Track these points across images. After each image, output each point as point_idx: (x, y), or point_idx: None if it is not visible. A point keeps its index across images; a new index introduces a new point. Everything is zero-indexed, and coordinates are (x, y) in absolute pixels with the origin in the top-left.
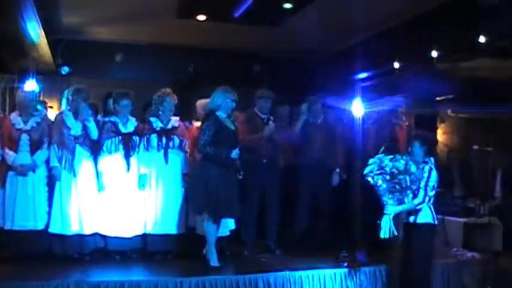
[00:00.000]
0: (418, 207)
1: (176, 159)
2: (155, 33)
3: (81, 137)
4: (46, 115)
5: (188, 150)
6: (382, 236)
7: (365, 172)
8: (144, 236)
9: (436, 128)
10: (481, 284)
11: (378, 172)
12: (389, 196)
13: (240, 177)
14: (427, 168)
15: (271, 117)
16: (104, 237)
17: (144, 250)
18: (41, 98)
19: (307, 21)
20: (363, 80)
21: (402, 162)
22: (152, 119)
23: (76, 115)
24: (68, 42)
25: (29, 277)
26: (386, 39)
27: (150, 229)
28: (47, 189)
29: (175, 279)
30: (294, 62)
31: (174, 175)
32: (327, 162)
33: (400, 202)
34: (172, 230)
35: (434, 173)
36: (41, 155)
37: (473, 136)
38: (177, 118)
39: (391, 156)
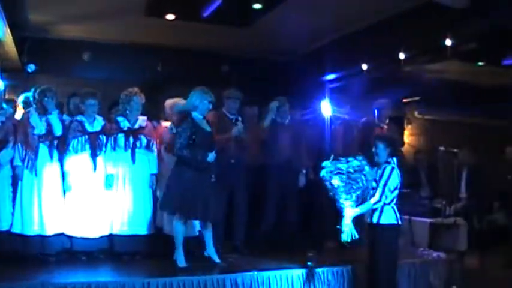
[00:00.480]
0: (375, 206)
1: (143, 159)
2: (124, 32)
3: (45, 136)
4: (12, 114)
5: (156, 150)
6: (343, 239)
7: (321, 174)
8: (111, 237)
9: (404, 130)
10: (447, 283)
11: (335, 172)
12: (348, 197)
13: (213, 179)
14: (388, 168)
15: (239, 118)
16: (70, 237)
17: (111, 251)
18: (7, 97)
19: (276, 22)
20: (332, 81)
21: (357, 162)
22: (119, 119)
23: (41, 114)
24: (35, 40)
25: None
26: (354, 41)
27: (117, 229)
28: (11, 189)
29: (143, 279)
30: (263, 63)
31: (141, 175)
32: (294, 162)
33: (359, 203)
34: (140, 230)
35: (396, 174)
36: (6, 154)
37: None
38: (145, 118)
39: (345, 159)
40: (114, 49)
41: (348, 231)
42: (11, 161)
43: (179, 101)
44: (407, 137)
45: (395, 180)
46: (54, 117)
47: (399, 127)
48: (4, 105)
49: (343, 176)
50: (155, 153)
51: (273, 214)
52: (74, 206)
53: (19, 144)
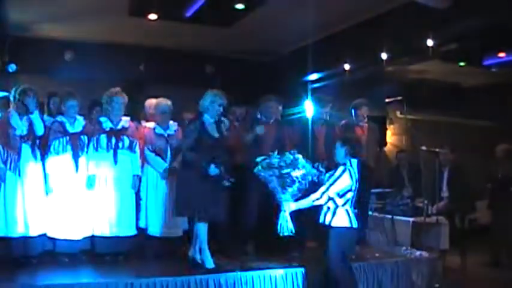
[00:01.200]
0: (315, 203)
1: (126, 159)
2: (106, 31)
3: (27, 136)
4: None
5: (139, 150)
6: (280, 233)
7: (255, 171)
8: (93, 238)
9: (386, 130)
10: (429, 282)
11: (267, 168)
12: (284, 191)
13: (228, 184)
14: (340, 168)
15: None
16: (51, 239)
17: (93, 252)
18: None
19: (259, 22)
20: (314, 81)
21: (290, 156)
22: (102, 119)
23: (22, 114)
24: (16, 39)
25: None
26: (337, 41)
27: (99, 231)
28: None
29: (126, 280)
30: (246, 63)
31: (124, 176)
32: None
33: (297, 198)
34: (122, 231)
35: (348, 175)
36: None
37: (422, 137)
38: (128, 118)
39: (279, 155)
40: (96, 49)
41: (284, 224)
42: None
43: (162, 101)
44: (390, 136)
45: (345, 181)
46: (35, 117)
47: (381, 127)
48: None
49: (275, 171)
50: (138, 154)
51: (255, 214)
52: (56, 207)
53: (0, 145)
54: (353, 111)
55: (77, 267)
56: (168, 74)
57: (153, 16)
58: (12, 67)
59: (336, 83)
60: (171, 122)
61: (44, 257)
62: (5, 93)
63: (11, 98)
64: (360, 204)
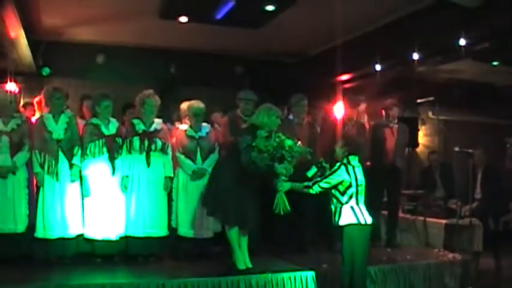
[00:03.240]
0: (305, 189)
1: (158, 161)
2: (137, 34)
3: (64, 140)
4: (27, 117)
5: (170, 152)
6: (276, 211)
7: (252, 157)
8: (126, 239)
9: (418, 130)
10: (462, 284)
11: (258, 153)
12: (279, 170)
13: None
14: (337, 164)
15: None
16: (86, 240)
17: (126, 252)
18: (23, 100)
19: (288, 24)
20: (345, 82)
21: (276, 139)
22: (135, 121)
23: (55, 116)
24: (49, 43)
25: (9, 281)
26: (367, 42)
27: (132, 232)
28: (27, 191)
29: (157, 281)
30: (276, 64)
31: (156, 178)
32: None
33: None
34: (155, 232)
35: (343, 171)
36: (21, 157)
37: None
38: (160, 120)
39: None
40: (127, 52)
41: (280, 204)
42: (27, 164)
43: (194, 103)
44: (422, 137)
45: (341, 176)
46: (70, 119)
47: (413, 128)
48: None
49: (265, 154)
50: (170, 156)
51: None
52: (92, 209)
53: (36, 151)
54: (383, 112)
55: (109, 268)
56: (198, 75)
57: (183, 19)
58: (46, 71)
59: (367, 83)
60: (204, 124)
61: (77, 258)
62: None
63: (42, 101)
64: (389, 205)
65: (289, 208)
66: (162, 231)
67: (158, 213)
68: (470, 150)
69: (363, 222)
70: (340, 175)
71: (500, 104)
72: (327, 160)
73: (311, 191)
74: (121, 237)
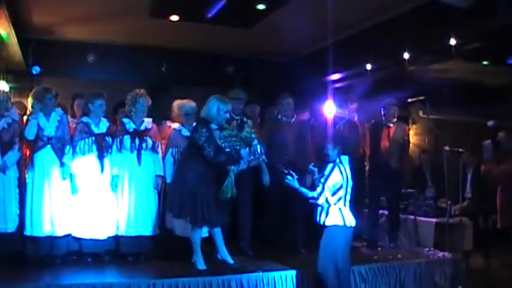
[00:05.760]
0: (311, 201)
1: (149, 160)
2: (128, 33)
3: (54, 138)
4: (19, 116)
5: (161, 151)
6: (223, 196)
7: (220, 144)
8: (117, 238)
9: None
10: (452, 283)
11: (224, 139)
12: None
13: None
14: (330, 166)
15: (244, 119)
16: (76, 239)
17: (116, 252)
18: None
19: (279, 23)
20: (335, 81)
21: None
22: (125, 120)
23: (46, 115)
24: (39, 41)
25: None
26: (358, 41)
27: (122, 231)
28: (17, 190)
29: (148, 281)
30: (266, 63)
31: (147, 176)
32: (298, 162)
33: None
34: (145, 231)
35: (337, 172)
36: (12, 156)
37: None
38: (150, 120)
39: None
40: (118, 50)
41: (229, 188)
42: (17, 163)
43: (186, 103)
44: (412, 136)
45: (336, 178)
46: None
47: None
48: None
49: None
50: (160, 155)
51: (276, 214)
52: (81, 207)
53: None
54: (382, 111)
55: (99, 267)
56: (189, 75)
57: (174, 17)
58: (36, 69)
59: (357, 83)
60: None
61: (68, 257)
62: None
63: (33, 99)
64: (389, 205)
65: (234, 194)
66: (152, 230)
67: (148, 212)
68: (460, 150)
69: (348, 224)
70: (335, 176)
71: (491, 103)
72: (315, 164)
73: (318, 202)
74: (112, 236)
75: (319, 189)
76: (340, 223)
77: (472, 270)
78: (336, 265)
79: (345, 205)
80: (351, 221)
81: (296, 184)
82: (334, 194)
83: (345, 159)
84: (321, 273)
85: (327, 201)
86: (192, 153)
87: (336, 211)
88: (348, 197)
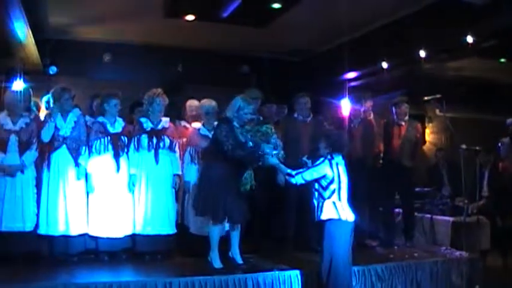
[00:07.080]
0: (286, 176)
1: (166, 159)
2: (143, 33)
3: (69, 138)
4: (37, 116)
5: (178, 150)
6: (243, 188)
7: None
8: (134, 237)
9: (424, 128)
10: (469, 282)
11: (245, 132)
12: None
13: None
14: (321, 159)
15: (261, 118)
16: (93, 238)
17: (133, 250)
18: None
19: (295, 21)
20: (351, 79)
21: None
22: (142, 120)
23: (64, 115)
24: (56, 42)
25: (16, 279)
26: (374, 39)
27: (139, 229)
28: (35, 190)
29: (165, 279)
30: (282, 62)
31: (164, 176)
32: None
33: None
34: (162, 230)
35: (327, 165)
36: (30, 155)
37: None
38: (167, 119)
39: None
40: (134, 50)
41: (248, 180)
42: (35, 162)
43: (206, 102)
44: (428, 135)
45: (323, 170)
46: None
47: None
48: (33, 108)
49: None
50: (177, 154)
51: (293, 214)
52: (97, 207)
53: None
54: (393, 109)
55: (116, 266)
56: (204, 74)
57: (189, 17)
58: (53, 69)
59: (373, 81)
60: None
61: (84, 255)
62: (49, 96)
63: (50, 99)
64: (404, 204)
65: (253, 186)
66: (169, 229)
67: (166, 211)
68: (477, 148)
69: (343, 218)
70: (323, 169)
71: (507, 101)
72: (309, 156)
73: (293, 180)
74: (129, 235)
75: (300, 170)
76: (335, 217)
77: (489, 270)
78: (331, 259)
79: (339, 200)
80: (347, 216)
81: (275, 160)
82: (326, 188)
83: (338, 156)
84: (319, 270)
85: (320, 196)
86: (214, 151)
87: (330, 205)
88: (344, 193)
